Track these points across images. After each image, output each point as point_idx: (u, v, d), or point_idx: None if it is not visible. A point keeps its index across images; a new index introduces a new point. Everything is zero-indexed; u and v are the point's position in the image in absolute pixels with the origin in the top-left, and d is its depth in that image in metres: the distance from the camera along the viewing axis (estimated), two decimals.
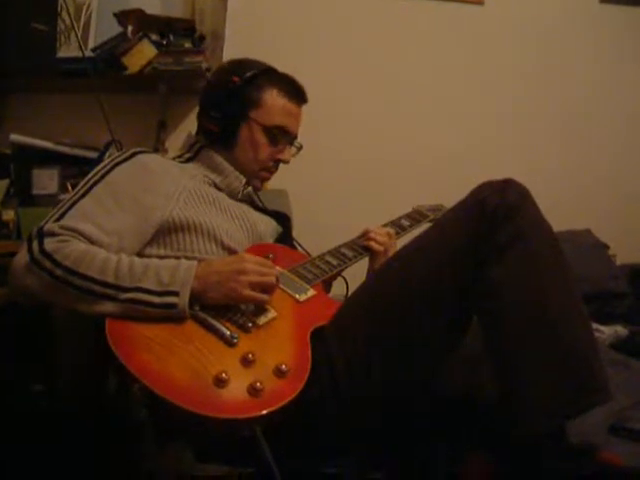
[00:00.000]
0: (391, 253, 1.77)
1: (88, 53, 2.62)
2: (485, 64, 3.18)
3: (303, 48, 2.84)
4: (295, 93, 1.79)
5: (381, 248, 1.77)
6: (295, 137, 1.83)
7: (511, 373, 1.31)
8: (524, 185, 1.41)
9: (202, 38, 2.72)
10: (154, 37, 2.68)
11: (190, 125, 2.78)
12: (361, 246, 1.79)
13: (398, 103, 3.12)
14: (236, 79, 1.72)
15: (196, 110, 1.82)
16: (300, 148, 1.86)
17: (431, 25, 3.15)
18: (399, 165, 3.07)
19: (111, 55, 2.62)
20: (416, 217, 1.99)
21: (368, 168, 3.05)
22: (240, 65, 1.78)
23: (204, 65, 2.61)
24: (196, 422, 1.18)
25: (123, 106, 2.70)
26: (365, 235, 1.80)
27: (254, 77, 1.74)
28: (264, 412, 1.20)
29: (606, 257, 2.99)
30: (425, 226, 1.94)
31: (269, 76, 1.77)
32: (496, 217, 1.34)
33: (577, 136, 3.26)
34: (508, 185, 1.39)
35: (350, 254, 1.75)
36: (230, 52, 2.70)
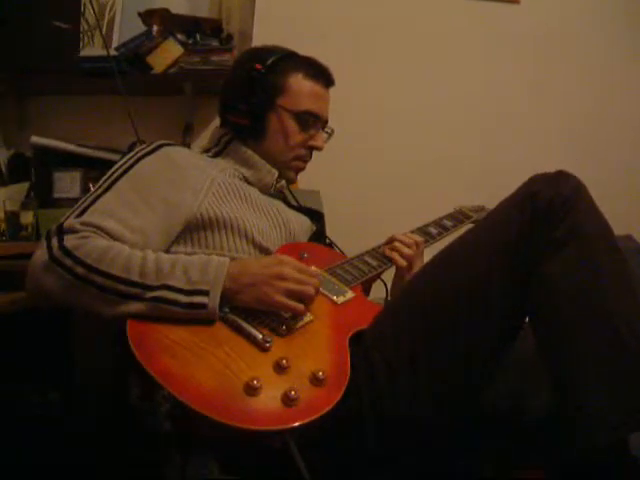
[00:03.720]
0: (416, 267, 1.67)
1: (112, 52, 2.53)
2: (521, 63, 3.08)
3: (333, 48, 2.72)
4: (321, 75, 1.71)
5: (405, 263, 1.66)
6: (326, 122, 1.75)
7: (569, 380, 1.21)
8: (577, 177, 1.32)
9: (229, 38, 2.64)
10: (180, 37, 2.61)
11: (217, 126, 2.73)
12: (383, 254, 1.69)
13: (433, 102, 3.03)
14: (259, 66, 1.64)
15: None
16: (332, 133, 1.78)
17: (466, 24, 3.05)
18: (433, 165, 2.97)
19: (135, 54, 2.55)
20: (459, 217, 1.90)
21: (402, 168, 2.95)
22: (260, 52, 1.71)
23: (232, 64, 2.51)
24: (224, 433, 1.08)
25: (147, 107, 2.64)
26: (386, 250, 1.69)
27: (277, 63, 1.66)
28: (298, 424, 1.09)
29: None
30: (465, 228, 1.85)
31: (292, 60, 1.70)
32: (551, 211, 1.25)
33: (621, 138, 3.13)
34: (561, 177, 1.31)
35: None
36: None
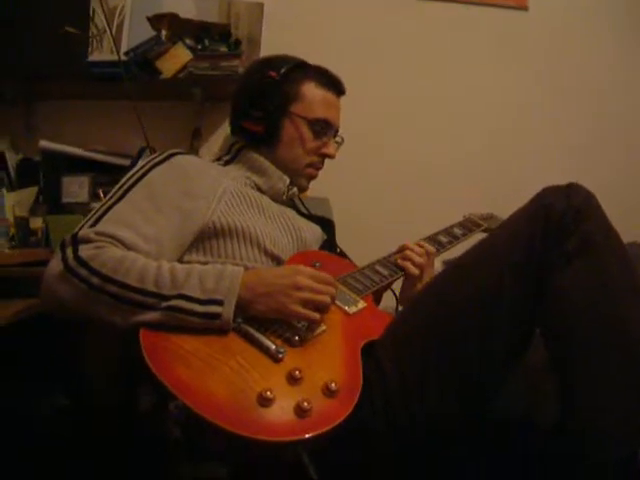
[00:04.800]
0: (427, 276, 1.67)
1: (121, 57, 2.54)
2: (529, 70, 3.08)
3: (341, 54, 2.73)
4: (333, 84, 1.73)
5: (417, 272, 1.66)
6: (337, 130, 1.76)
7: (580, 393, 1.21)
8: (588, 189, 1.32)
9: (238, 43, 2.66)
10: (189, 42, 2.62)
11: (225, 133, 2.73)
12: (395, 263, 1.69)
13: (442, 108, 3.03)
14: (273, 74, 1.65)
15: None
16: (342, 142, 1.79)
17: (475, 30, 3.05)
18: (443, 172, 2.97)
19: (144, 59, 2.56)
20: (469, 226, 1.89)
21: (411, 175, 2.96)
22: (273, 61, 1.71)
23: (241, 70, 2.53)
24: (237, 444, 1.08)
25: (156, 112, 2.64)
26: (401, 251, 1.70)
27: (290, 71, 1.67)
28: (311, 435, 1.09)
29: None
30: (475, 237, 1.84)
31: (304, 69, 1.71)
32: (563, 223, 1.26)
33: (630, 143, 3.13)
34: (573, 189, 1.31)
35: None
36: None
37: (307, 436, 1.09)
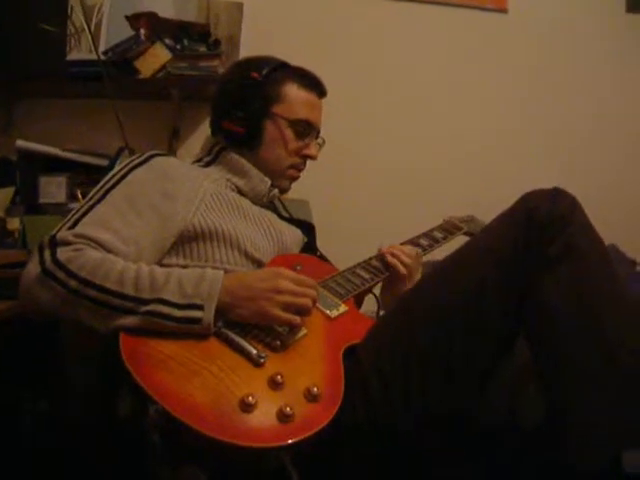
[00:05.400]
0: (416, 278, 1.67)
1: (100, 56, 2.51)
2: (508, 73, 3.08)
3: (320, 55, 2.72)
4: (315, 86, 1.73)
5: (405, 271, 1.66)
6: (319, 132, 1.76)
7: (563, 397, 1.21)
8: (573, 194, 1.32)
9: (217, 43, 2.63)
10: (168, 41, 2.58)
11: (204, 133, 2.74)
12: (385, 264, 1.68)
13: (421, 111, 3.02)
14: (255, 75, 1.65)
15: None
16: (323, 144, 1.79)
17: (453, 32, 3.05)
18: (422, 174, 2.96)
19: (123, 58, 2.53)
20: (449, 229, 1.90)
21: (390, 178, 2.95)
22: (255, 62, 1.71)
23: (220, 70, 2.51)
24: (219, 450, 1.06)
25: (134, 112, 2.59)
26: (387, 256, 1.69)
27: (272, 72, 1.67)
28: (293, 440, 1.08)
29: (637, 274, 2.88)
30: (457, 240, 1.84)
31: (286, 70, 1.71)
32: (546, 228, 1.26)
33: (607, 145, 3.14)
34: (558, 194, 1.31)
35: (382, 267, 1.66)
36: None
37: (290, 441, 1.07)
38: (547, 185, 1.33)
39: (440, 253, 1.75)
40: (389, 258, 1.67)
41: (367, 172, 2.95)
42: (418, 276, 1.68)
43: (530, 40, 3.09)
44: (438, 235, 1.84)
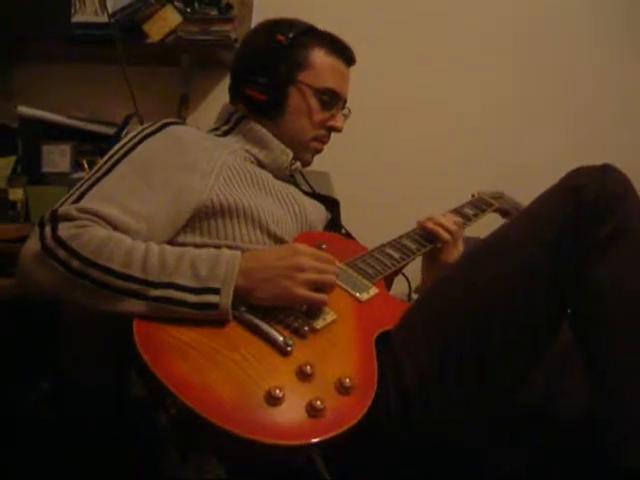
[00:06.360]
0: (461, 245, 1.59)
1: (105, 19, 2.43)
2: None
3: (338, 18, 2.61)
4: (343, 53, 1.62)
5: (450, 237, 1.58)
6: (345, 102, 1.66)
7: (610, 391, 1.14)
8: (623, 172, 1.24)
9: (229, 7, 2.55)
10: (178, 4, 2.52)
11: (214, 100, 2.64)
12: (423, 236, 1.59)
13: (446, 86, 2.90)
14: (281, 38, 1.54)
15: (222, 84, 1.65)
16: (349, 114, 1.69)
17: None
18: (450, 146, 2.85)
19: (131, 21, 2.47)
20: (480, 206, 1.80)
21: (418, 151, 2.84)
22: (281, 24, 1.60)
23: (233, 35, 2.45)
24: (243, 446, 0.98)
25: (142, 78, 2.51)
26: (427, 223, 1.60)
27: (299, 36, 1.56)
28: (324, 438, 0.99)
29: None
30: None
31: (314, 35, 1.61)
32: (596, 208, 1.19)
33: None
34: (607, 171, 1.23)
35: (413, 247, 1.56)
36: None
37: (321, 438, 0.99)
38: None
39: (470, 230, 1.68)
40: (430, 225, 1.59)
41: (392, 144, 2.84)
42: (462, 247, 1.60)
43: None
44: (469, 212, 1.75)
